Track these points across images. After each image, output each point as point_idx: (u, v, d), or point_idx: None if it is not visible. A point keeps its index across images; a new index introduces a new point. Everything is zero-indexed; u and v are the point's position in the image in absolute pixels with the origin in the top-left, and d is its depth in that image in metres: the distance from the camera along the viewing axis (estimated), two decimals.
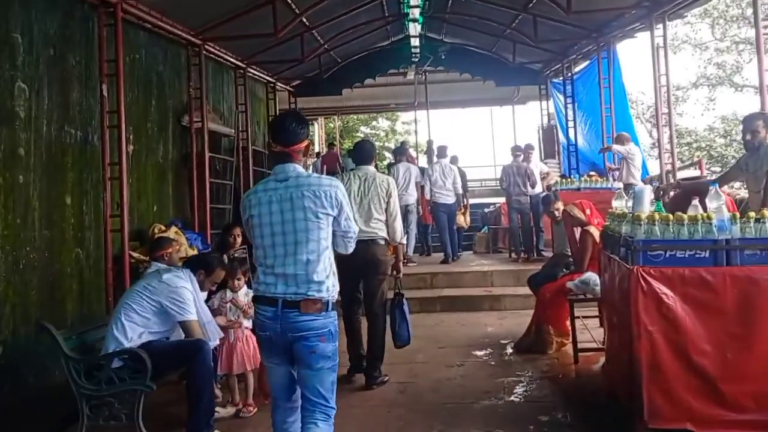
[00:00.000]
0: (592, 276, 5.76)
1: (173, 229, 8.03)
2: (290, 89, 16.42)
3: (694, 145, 21.37)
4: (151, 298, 4.45)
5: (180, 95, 9.62)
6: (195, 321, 4.51)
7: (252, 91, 13.72)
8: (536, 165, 11.51)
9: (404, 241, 6.21)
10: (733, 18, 21.66)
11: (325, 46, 13.33)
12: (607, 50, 11.86)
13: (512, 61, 14.84)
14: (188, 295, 4.51)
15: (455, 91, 21.63)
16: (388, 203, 5.37)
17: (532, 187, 10.72)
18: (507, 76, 16.54)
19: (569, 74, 14.22)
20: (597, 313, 6.87)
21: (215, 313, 4.98)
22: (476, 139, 34.37)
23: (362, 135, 32.48)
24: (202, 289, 4.88)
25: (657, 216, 3.81)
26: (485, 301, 8.49)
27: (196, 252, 7.95)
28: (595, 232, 5.87)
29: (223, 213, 10.56)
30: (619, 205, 4.87)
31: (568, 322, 6.10)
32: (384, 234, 5.41)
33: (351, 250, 3.23)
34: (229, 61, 11.60)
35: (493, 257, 11.66)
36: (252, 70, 12.78)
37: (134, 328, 4.40)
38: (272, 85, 14.71)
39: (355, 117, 31.96)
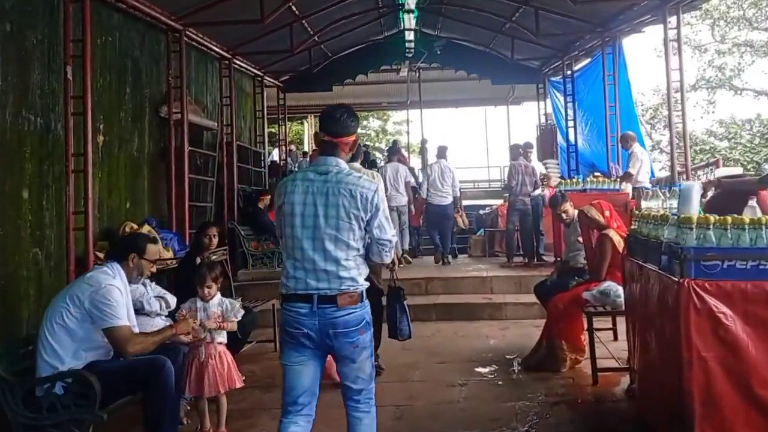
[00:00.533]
0: (612, 286, 5.13)
1: (146, 227, 7.33)
2: (279, 84, 15.72)
3: (696, 149, 20.87)
4: (77, 307, 3.70)
5: (158, 84, 8.91)
6: (125, 327, 3.74)
7: (239, 84, 13.03)
8: (535, 165, 10.91)
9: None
10: (734, 20, 21.20)
11: (316, 38, 12.66)
12: (612, 46, 11.26)
13: (510, 57, 14.21)
14: (117, 295, 3.76)
15: (449, 90, 21.06)
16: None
17: (535, 188, 10.13)
18: (504, 74, 15.92)
19: (570, 72, 13.63)
20: (611, 326, 6.30)
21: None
22: (469, 140, 33.73)
23: None
24: (141, 274, 4.15)
25: (712, 219, 3.17)
26: (485, 309, 7.85)
27: (170, 254, 7.27)
28: (615, 237, 5.25)
29: (204, 211, 9.87)
30: (655, 205, 4.23)
31: (583, 337, 5.47)
32: None
33: (387, 259, 3.13)
34: (214, 51, 10.90)
35: (491, 261, 11.03)
36: (238, 62, 12.08)
37: (66, 347, 3.65)
38: (260, 79, 14.02)
39: None
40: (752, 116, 22.15)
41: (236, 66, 12.26)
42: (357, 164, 5.19)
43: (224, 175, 11.04)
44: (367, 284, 3.03)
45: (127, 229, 7.23)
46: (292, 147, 22.69)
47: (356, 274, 2.94)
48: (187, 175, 8.81)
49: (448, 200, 10.50)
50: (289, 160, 17.93)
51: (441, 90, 20.99)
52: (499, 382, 5.42)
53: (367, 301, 3.01)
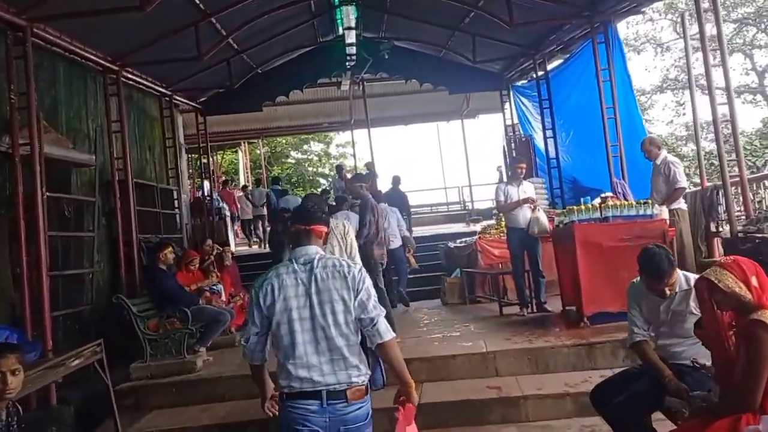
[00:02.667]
0: None
1: None
2: (196, 106, 13.01)
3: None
4: None
5: None
6: None
7: (138, 106, 10.33)
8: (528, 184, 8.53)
9: None
10: (703, 11, 19.31)
11: (231, 41, 10.06)
12: (603, 33, 9.05)
13: (472, 60, 11.91)
14: None
15: (397, 105, 18.92)
16: (346, 242, 5.80)
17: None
18: (461, 81, 13.73)
19: (542, 72, 11.42)
20: None
21: None
22: (422, 160, 31.44)
23: (293, 161, 29.22)
24: None
25: None
26: (494, 407, 5.24)
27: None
28: None
29: (81, 281, 7.10)
30: None
31: None
32: None
33: (386, 336, 2.88)
34: (91, 60, 8.19)
35: (477, 313, 8.53)
36: (130, 75, 9.36)
37: None
38: (168, 99, 11.30)
39: (284, 141, 28.59)
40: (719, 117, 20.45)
41: (130, 82, 9.57)
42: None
43: (118, 224, 8.31)
44: (369, 373, 2.91)
45: None
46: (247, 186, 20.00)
47: (359, 361, 2.87)
48: (43, 231, 6.05)
49: (397, 242, 9.51)
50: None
51: (388, 105, 18.78)
52: None
53: (370, 395, 2.94)
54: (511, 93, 13.91)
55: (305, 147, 29.46)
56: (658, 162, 7.27)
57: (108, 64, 8.51)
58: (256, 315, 2.90)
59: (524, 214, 7.83)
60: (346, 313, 2.84)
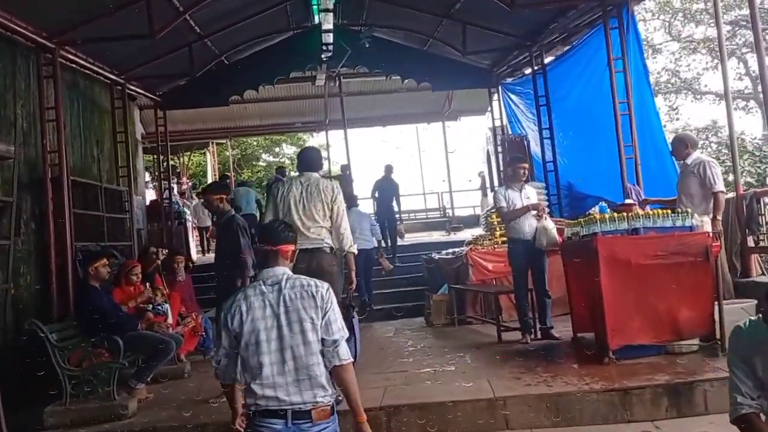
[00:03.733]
0: None
1: None
2: (154, 98, 11.70)
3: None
4: None
5: None
6: None
7: (86, 95, 9.06)
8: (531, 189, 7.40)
9: (354, 250, 5.23)
10: (698, 12, 18.54)
11: (192, 22, 8.80)
12: (617, 17, 7.97)
13: (462, 51, 10.80)
14: None
15: (374, 105, 17.81)
16: (332, 209, 5.12)
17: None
18: (447, 77, 12.61)
19: (539, 66, 10.34)
20: None
21: None
22: (400, 164, 30.16)
23: (263, 163, 27.87)
24: None
25: None
26: None
27: None
28: None
29: None
30: None
31: None
32: (329, 242, 5.11)
33: (345, 359, 2.87)
34: (21, 35, 6.90)
35: (470, 338, 7.38)
36: (71, 56, 8.07)
37: None
38: (120, 87, 9.98)
39: (255, 143, 27.21)
40: (708, 123, 19.77)
41: (74, 65, 8.30)
42: (315, 174, 5.34)
43: (50, 230, 7.01)
44: (336, 394, 2.89)
45: None
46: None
47: (326, 381, 2.84)
48: None
49: (372, 244, 9.63)
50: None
51: (365, 105, 17.63)
52: None
53: (336, 415, 2.89)
54: (500, 91, 12.86)
55: (277, 149, 28.10)
56: (689, 162, 6.15)
57: (43, 41, 7.23)
58: (224, 337, 2.92)
59: (530, 223, 6.70)
60: (314, 331, 2.85)
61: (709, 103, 20.29)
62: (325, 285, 2.95)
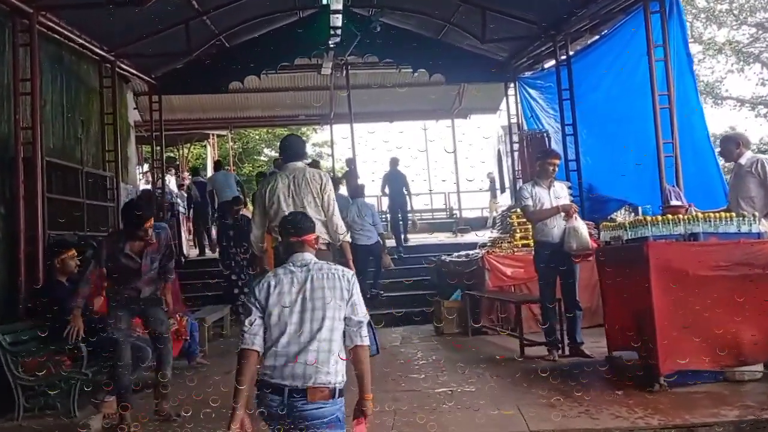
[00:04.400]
0: None
1: None
2: (149, 80, 10.92)
3: None
4: None
5: None
6: None
7: (72, 70, 8.32)
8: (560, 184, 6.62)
9: (348, 239, 5.14)
10: (721, 14, 17.72)
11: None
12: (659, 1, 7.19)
13: (480, 38, 10.01)
14: None
15: (381, 99, 16.86)
16: (323, 199, 4.89)
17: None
18: (461, 69, 11.96)
19: (564, 57, 9.55)
20: None
21: None
22: (407, 162, 29.35)
23: (265, 158, 27.08)
24: None
25: None
26: None
27: None
28: None
29: None
30: None
31: None
32: (325, 237, 4.87)
33: (366, 340, 2.97)
34: None
35: (487, 350, 6.61)
36: (53, 24, 7.31)
37: None
38: (110, 65, 9.19)
39: (257, 136, 26.42)
40: (727, 130, 19.02)
41: (56, 36, 7.54)
42: (299, 163, 5.11)
43: (20, 215, 6.25)
44: (343, 384, 2.90)
45: None
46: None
47: (333, 363, 2.87)
48: None
49: (374, 239, 9.39)
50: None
51: (372, 99, 16.73)
52: None
53: (342, 399, 2.91)
54: (517, 85, 12.10)
55: (277, 143, 27.34)
56: (744, 162, 5.36)
57: (19, 4, 6.48)
58: (254, 306, 2.97)
59: (558, 225, 5.93)
60: (334, 312, 2.94)
61: (729, 109, 19.52)
62: (350, 272, 3.06)
